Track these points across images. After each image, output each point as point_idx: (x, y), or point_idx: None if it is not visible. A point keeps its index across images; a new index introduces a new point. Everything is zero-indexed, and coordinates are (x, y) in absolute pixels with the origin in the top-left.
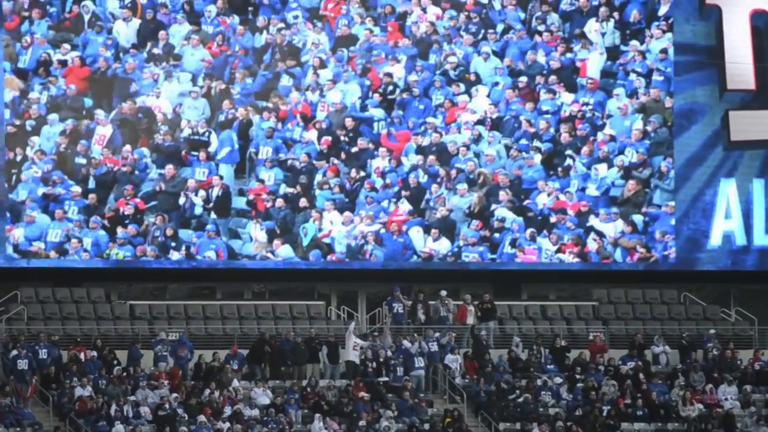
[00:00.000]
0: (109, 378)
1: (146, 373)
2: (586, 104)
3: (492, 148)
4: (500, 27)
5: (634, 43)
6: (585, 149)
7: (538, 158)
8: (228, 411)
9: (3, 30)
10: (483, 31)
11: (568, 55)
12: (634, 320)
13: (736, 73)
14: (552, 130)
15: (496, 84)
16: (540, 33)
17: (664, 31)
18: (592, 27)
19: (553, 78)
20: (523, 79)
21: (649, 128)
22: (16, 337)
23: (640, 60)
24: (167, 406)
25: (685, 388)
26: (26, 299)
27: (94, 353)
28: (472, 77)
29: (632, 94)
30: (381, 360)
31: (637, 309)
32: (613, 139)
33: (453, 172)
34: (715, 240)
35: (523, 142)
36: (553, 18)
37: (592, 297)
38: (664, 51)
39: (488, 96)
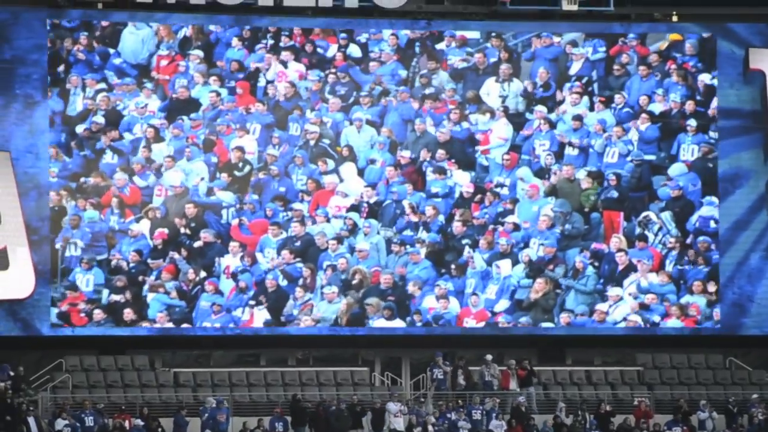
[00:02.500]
0: None
1: None
2: (501, 186)
3: (368, 240)
4: (376, 89)
5: (540, 108)
6: (483, 242)
7: (424, 252)
8: None
9: None
10: (355, 93)
11: (464, 124)
12: (680, 385)
13: None
14: (441, 218)
15: (373, 161)
16: (426, 96)
17: (580, 94)
18: (490, 89)
19: (441, 153)
20: (406, 153)
21: (559, 216)
22: (62, 406)
23: (548, 129)
24: None
25: None
26: (71, 367)
27: (139, 421)
28: (345, 151)
29: (541, 173)
30: (428, 427)
31: (682, 374)
32: (517, 228)
33: (328, 272)
34: (760, 304)
35: (408, 233)
36: (442, 77)
37: (637, 362)
38: (578, 118)
39: (363, 175)
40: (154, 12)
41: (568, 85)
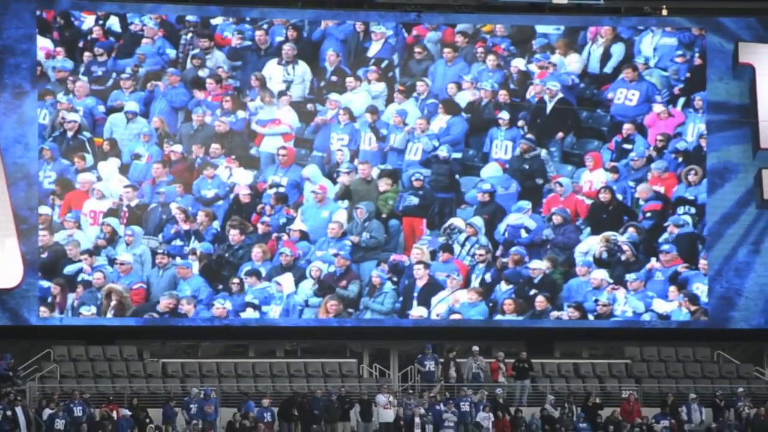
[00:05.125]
0: None
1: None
2: (277, 186)
3: (130, 252)
4: (141, 70)
5: (335, 97)
6: (259, 251)
7: (195, 266)
8: None
9: None
10: (114, 75)
11: (241, 113)
12: (667, 378)
13: None
14: (217, 224)
15: (138, 156)
16: (201, 80)
17: (370, 81)
18: (272, 72)
19: (217, 147)
20: (178, 148)
21: (356, 221)
22: (49, 396)
23: (346, 122)
24: None
25: None
26: (59, 357)
27: (127, 412)
28: (106, 146)
29: (333, 171)
30: (415, 419)
31: (670, 367)
32: (305, 237)
33: (79, 290)
34: (748, 298)
35: (177, 243)
36: (218, 58)
37: (625, 355)
38: (371, 108)
39: (126, 173)
40: (144, 3)
41: (365, 69)
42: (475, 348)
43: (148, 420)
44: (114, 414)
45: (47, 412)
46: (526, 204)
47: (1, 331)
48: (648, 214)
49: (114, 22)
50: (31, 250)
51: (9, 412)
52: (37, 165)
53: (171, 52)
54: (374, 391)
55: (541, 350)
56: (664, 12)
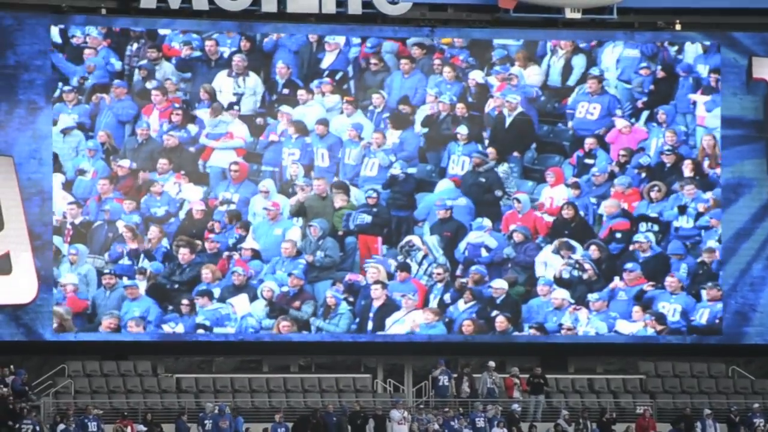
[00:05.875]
0: None
1: None
2: (228, 202)
3: (75, 272)
4: (87, 82)
5: (287, 110)
6: (208, 271)
7: (143, 287)
8: None
9: None
10: (59, 86)
11: (192, 127)
12: (682, 394)
13: None
14: (166, 242)
15: (83, 172)
16: (148, 93)
17: (324, 93)
18: (222, 84)
19: (164, 162)
20: (125, 163)
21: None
22: (64, 412)
23: (298, 136)
24: None
25: None
26: (73, 373)
27: (142, 427)
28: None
29: (287, 187)
30: None
31: (684, 383)
32: (257, 256)
33: None
34: (763, 313)
35: (125, 262)
36: (166, 69)
37: (640, 370)
38: (323, 122)
39: (70, 189)
40: (157, 18)
41: (318, 81)
42: (491, 363)
43: None
44: (128, 429)
45: (61, 427)
46: (486, 222)
47: (16, 346)
48: (618, 235)
49: (54, 33)
50: (45, 265)
51: (38, 427)
52: (51, 180)
53: (117, 63)
54: (388, 406)
55: (555, 365)
56: (678, 27)
